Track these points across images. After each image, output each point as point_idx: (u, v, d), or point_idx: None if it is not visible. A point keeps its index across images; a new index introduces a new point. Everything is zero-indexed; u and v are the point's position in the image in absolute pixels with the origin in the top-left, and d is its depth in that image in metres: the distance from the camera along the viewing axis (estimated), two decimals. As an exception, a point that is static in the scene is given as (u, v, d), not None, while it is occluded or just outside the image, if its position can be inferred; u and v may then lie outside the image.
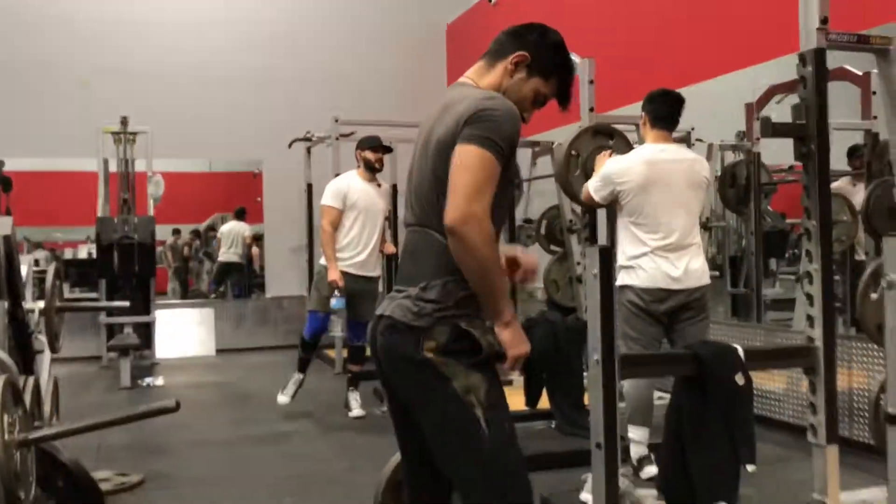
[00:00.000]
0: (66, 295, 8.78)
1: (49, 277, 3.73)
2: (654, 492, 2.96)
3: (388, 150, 5.45)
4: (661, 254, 3.45)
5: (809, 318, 2.91)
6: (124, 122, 7.78)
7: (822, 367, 2.86)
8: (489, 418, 1.78)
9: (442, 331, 1.79)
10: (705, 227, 5.75)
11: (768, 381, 4.67)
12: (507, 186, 1.87)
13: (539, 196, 7.05)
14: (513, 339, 1.84)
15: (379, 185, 5.39)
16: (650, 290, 3.45)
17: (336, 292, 5.13)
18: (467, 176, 1.74)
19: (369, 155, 5.25)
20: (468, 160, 1.75)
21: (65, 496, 3.39)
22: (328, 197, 5.24)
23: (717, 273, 6.03)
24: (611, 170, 3.56)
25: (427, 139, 1.89)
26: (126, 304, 5.02)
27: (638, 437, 3.58)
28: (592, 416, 2.66)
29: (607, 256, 2.64)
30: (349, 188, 5.22)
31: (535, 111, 2.04)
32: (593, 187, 3.60)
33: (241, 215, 10.55)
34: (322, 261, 5.28)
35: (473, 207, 1.72)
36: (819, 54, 2.82)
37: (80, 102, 8.48)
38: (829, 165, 2.89)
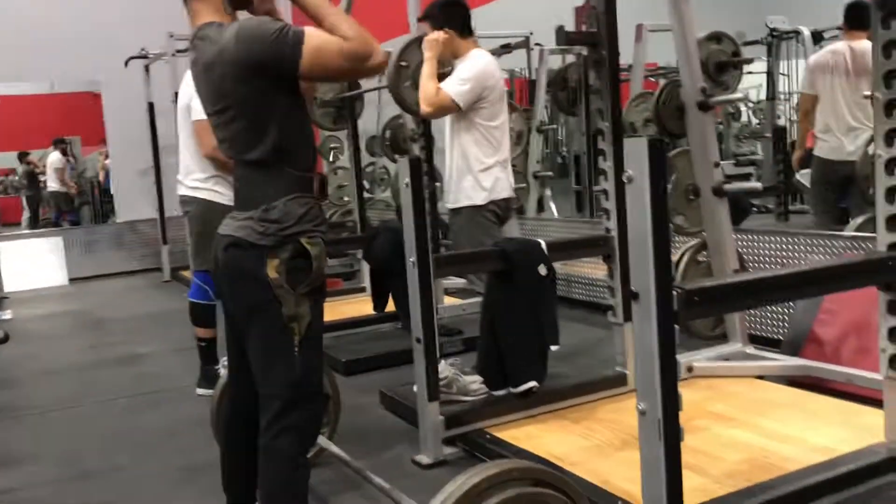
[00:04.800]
0: None
1: None
2: (479, 377, 3.23)
3: None
4: (504, 163, 3.63)
5: (605, 211, 3.21)
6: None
7: (617, 255, 3.19)
8: (303, 347, 1.96)
9: (285, 248, 1.92)
10: (539, 130, 6.04)
11: (597, 271, 5.05)
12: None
13: (388, 105, 7.12)
14: None
15: None
16: (505, 200, 3.65)
17: None
18: (326, 52, 1.84)
19: None
20: (316, 46, 1.84)
21: None
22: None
23: (550, 174, 6.37)
24: (484, 68, 3.53)
25: (216, 95, 1.95)
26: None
27: None
28: (412, 313, 2.90)
29: (417, 167, 2.83)
30: None
31: None
32: (458, 91, 3.46)
33: (57, 144, 11.02)
34: (195, 193, 3.87)
35: (360, 37, 1.84)
36: (606, -34, 3.02)
37: None
38: (619, 70, 3.14)
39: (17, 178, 12.35)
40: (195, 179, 3.87)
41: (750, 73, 6.06)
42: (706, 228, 3.47)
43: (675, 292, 1.88)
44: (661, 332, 1.86)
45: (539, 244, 3.06)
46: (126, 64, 7.58)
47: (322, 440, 2.59)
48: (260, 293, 1.93)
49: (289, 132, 1.95)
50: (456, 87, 3.50)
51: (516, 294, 3.01)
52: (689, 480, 1.91)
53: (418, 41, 4.28)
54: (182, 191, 3.96)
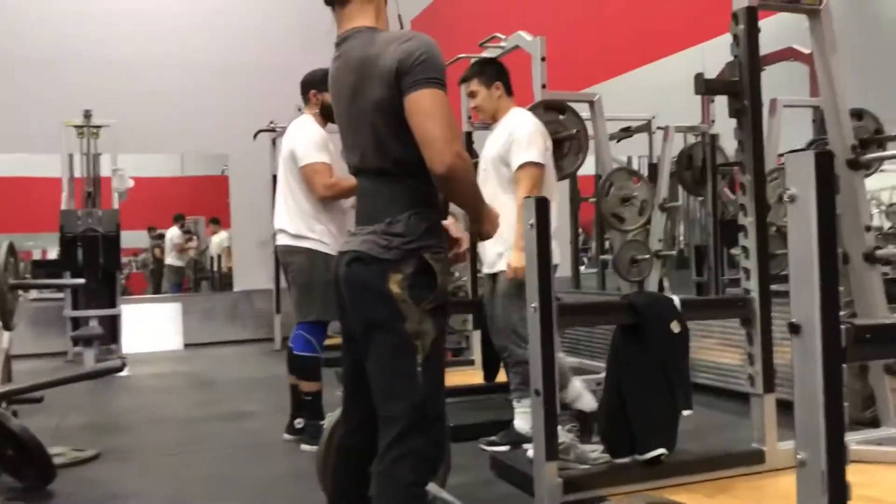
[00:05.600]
0: (34, 295, 8.77)
1: (1, 254, 3.70)
2: (598, 445, 3.00)
3: None
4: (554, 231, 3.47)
5: (745, 271, 2.98)
6: (87, 115, 7.75)
7: (757, 318, 2.93)
8: (427, 366, 1.85)
9: (409, 263, 1.85)
10: (662, 207, 5.83)
11: (722, 355, 4.73)
12: None
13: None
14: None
15: None
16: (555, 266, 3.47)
17: None
18: (435, 122, 1.81)
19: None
20: (428, 106, 1.81)
21: (15, 466, 3.39)
22: (316, 151, 3.84)
23: (673, 252, 6.11)
24: (537, 123, 3.54)
25: (354, 95, 1.93)
26: (82, 280, 4.97)
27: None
28: (531, 363, 2.72)
29: (544, 207, 2.71)
30: (329, 137, 3.87)
31: None
32: (535, 153, 3.43)
33: (176, 220, 11.59)
34: (300, 242, 3.88)
35: (455, 148, 1.81)
36: (750, 12, 2.90)
37: (40, 96, 8.41)
38: (761, 120, 2.97)
39: (149, 256, 12.97)
40: (301, 228, 3.87)
41: (882, 171, 5.67)
42: (856, 298, 3.18)
43: (843, 327, 1.66)
44: (826, 371, 1.64)
45: (672, 300, 2.85)
46: (255, 137, 7.89)
47: (431, 485, 2.41)
48: (382, 308, 1.84)
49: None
50: (528, 150, 3.44)
51: (645, 351, 2.79)
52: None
53: (540, 106, 4.22)
54: (284, 240, 3.94)
